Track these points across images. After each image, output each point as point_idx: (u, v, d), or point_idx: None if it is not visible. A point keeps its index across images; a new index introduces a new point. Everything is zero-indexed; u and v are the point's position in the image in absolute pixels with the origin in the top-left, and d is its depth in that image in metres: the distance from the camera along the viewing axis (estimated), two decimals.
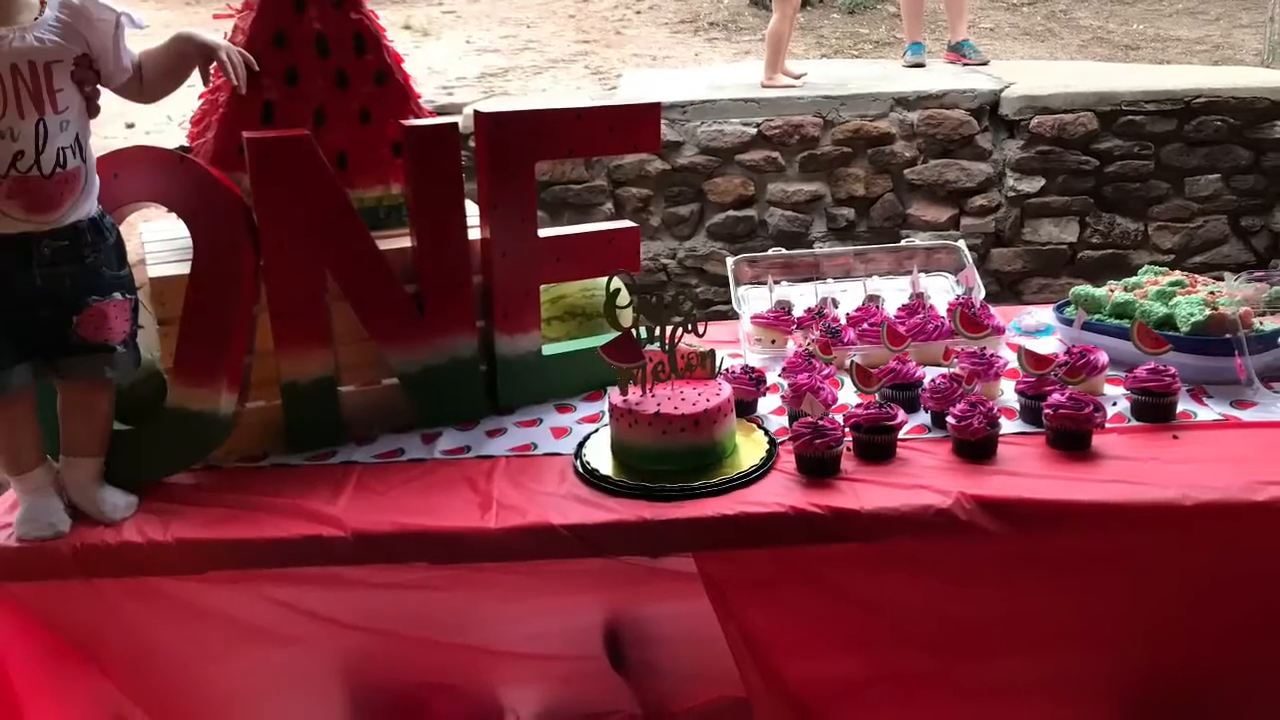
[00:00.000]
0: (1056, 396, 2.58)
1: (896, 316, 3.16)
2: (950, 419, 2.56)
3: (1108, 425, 2.60)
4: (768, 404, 2.87)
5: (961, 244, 3.69)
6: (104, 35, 2.32)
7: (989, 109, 6.82)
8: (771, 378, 2.93)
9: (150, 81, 2.47)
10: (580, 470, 2.58)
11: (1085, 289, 3.15)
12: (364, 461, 2.69)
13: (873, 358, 2.93)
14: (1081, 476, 2.45)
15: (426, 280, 2.75)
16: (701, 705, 2.74)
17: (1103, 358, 2.79)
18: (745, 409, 2.79)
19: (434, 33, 10.78)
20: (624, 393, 2.61)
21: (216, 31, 2.65)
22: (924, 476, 2.47)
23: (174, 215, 2.58)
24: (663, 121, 3.03)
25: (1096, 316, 3.05)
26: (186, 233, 2.56)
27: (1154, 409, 2.68)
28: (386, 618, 2.54)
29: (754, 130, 6.79)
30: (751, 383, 2.82)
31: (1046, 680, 2.54)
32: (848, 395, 2.82)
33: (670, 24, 11.71)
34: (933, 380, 2.72)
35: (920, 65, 7.87)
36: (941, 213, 6.84)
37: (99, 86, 2.37)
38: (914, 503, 2.37)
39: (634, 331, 2.63)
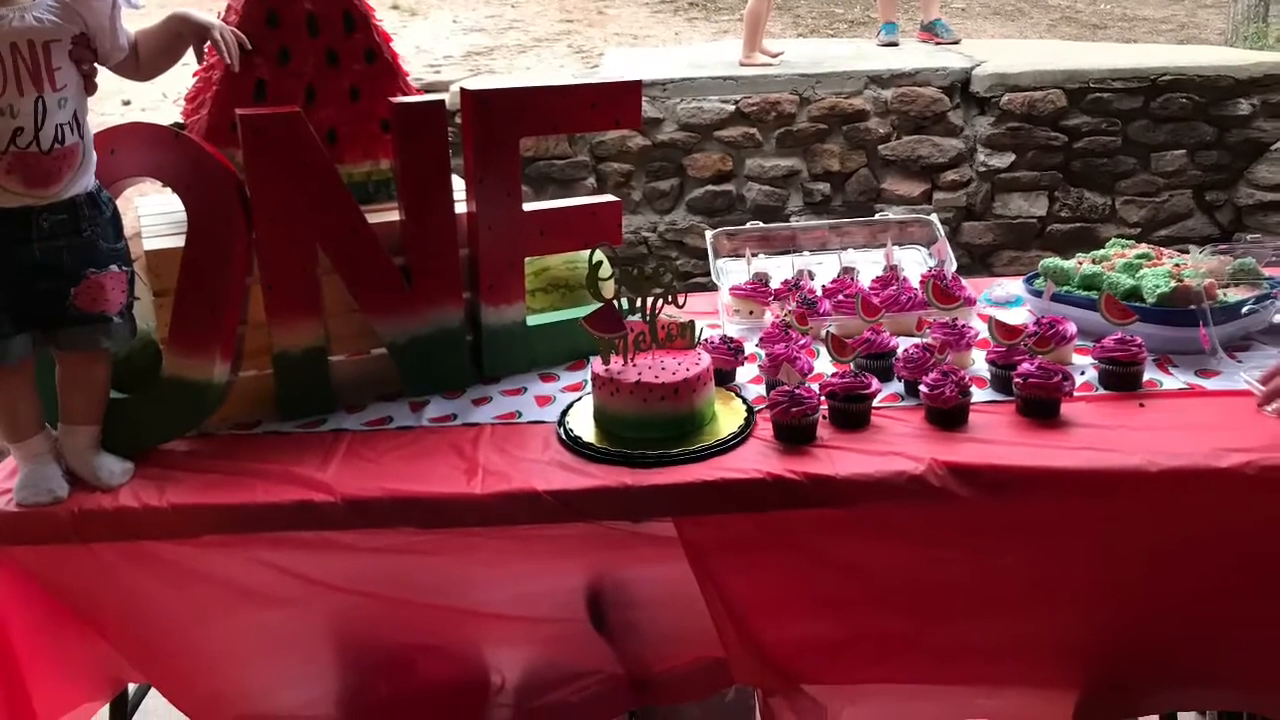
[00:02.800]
0: (1026, 366, 2.61)
1: (871, 288, 3.19)
2: (923, 388, 2.59)
3: (1076, 394, 2.63)
4: (746, 373, 2.90)
5: (934, 218, 3.71)
6: (101, 15, 2.35)
7: (960, 86, 6.88)
8: (749, 348, 2.95)
9: (146, 60, 2.50)
10: (563, 437, 2.61)
11: (1054, 261, 3.18)
12: (354, 429, 2.72)
13: (848, 328, 2.97)
14: (1050, 443, 2.48)
15: (414, 253, 2.78)
16: (682, 665, 2.77)
17: (1071, 328, 2.82)
18: (724, 378, 2.83)
19: (421, 12, 10.76)
20: (606, 362, 2.64)
21: (210, 11, 2.67)
22: (897, 443, 2.50)
23: (169, 190, 2.61)
24: (644, 99, 3.06)
25: (1065, 288, 3.07)
26: (181, 207, 2.58)
27: (1121, 378, 2.72)
28: (376, 581, 2.56)
29: (732, 107, 6.84)
30: (730, 352, 2.85)
31: (1017, 641, 2.58)
32: (823, 365, 2.84)
33: (651, 4, 11.71)
34: (906, 350, 2.75)
35: (894, 44, 7.93)
36: (914, 187, 6.90)
37: (96, 65, 2.39)
38: (888, 469, 2.40)
39: (615, 303, 2.66)
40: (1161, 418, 2.59)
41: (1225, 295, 2.94)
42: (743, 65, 7.23)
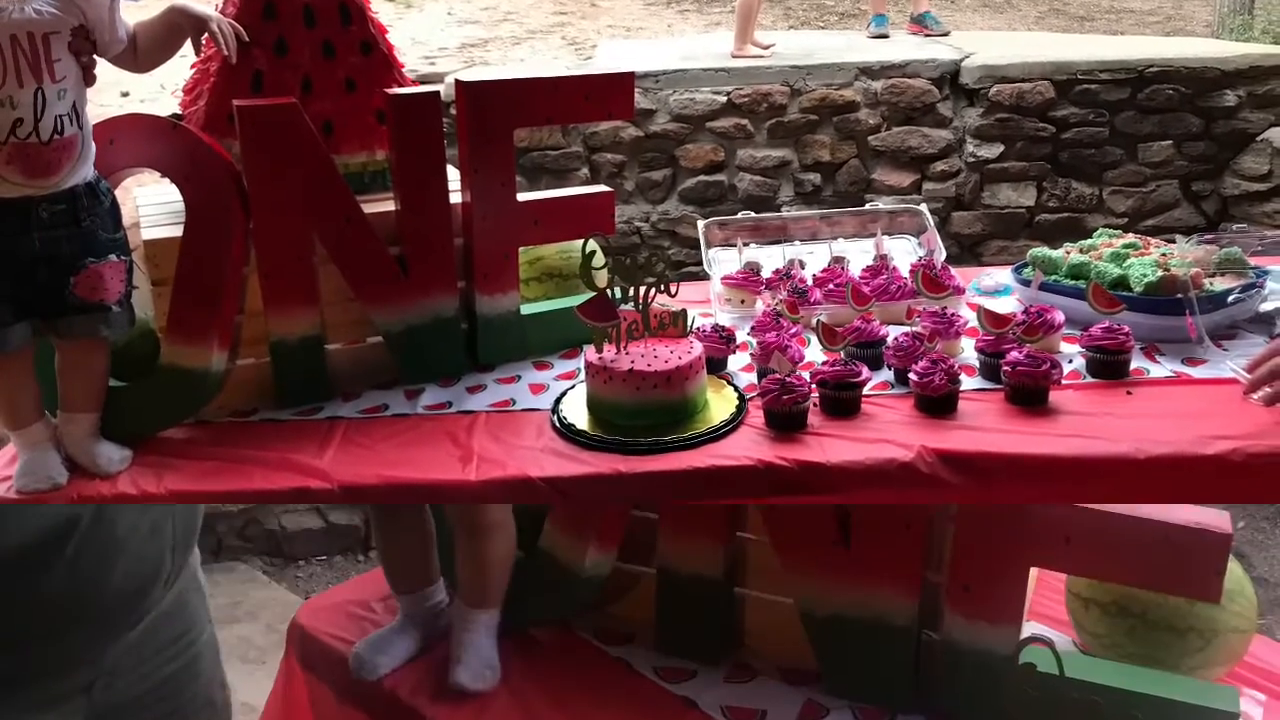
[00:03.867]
0: (1015, 354, 2.62)
1: (861, 277, 3.20)
2: (913, 376, 2.60)
3: (1064, 382, 2.64)
4: (737, 361, 2.92)
5: (923, 208, 3.72)
6: (100, 7, 2.35)
7: (950, 78, 6.89)
8: (741, 336, 2.97)
9: (144, 52, 2.50)
10: (557, 425, 2.62)
11: (1042, 251, 3.20)
12: (350, 416, 2.72)
13: (838, 317, 2.98)
14: (1039, 431, 2.49)
15: (409, 242, 2.80)
16: None
17: (1059, 317, 2.82)
18: (716, 366, 2.84)
19: (417, 5, 10.71)
20: (599, 350, 2.65)
21: (208, 3, 2.67)
22: (887, 431, 2.51)
23: (167, 180, 2.62)
24: (636, 90, 3.06)
25: (1053, 277, 3.08)
26: (179, 197, 2.59)
27: (1108, 366, 2.72)
28: None
29: (724, 99, 6.84)
30: (722, 341, 2.86)
31: None
32: (814, 353, 2.85)
33: None
34: (896, 338, 2.75)
35: (884, 36, 7.94)
36: (904, 178, 6.91)
37: (95, 56, 2.40)
38: (878, 456, 2.40)
39: (609, 292, 2.68)
40: (1148, 405, 2.59)
41: (1211, 284, 2.94)
42: (734, 57, 7.24)
